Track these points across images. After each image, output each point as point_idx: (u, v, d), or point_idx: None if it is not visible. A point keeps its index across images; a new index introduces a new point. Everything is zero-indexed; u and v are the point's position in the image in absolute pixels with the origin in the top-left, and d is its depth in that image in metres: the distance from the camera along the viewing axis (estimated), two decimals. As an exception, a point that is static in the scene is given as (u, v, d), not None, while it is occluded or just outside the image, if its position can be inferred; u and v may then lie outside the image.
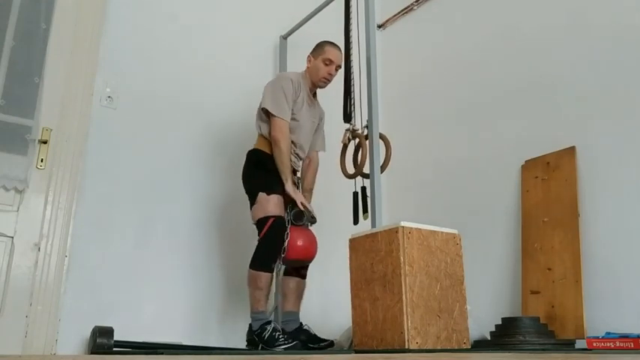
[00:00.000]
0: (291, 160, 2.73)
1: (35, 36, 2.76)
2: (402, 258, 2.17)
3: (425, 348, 2.09)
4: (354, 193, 2.84)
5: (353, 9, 3.06)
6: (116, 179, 2.88)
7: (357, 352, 2.12)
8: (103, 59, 2.96)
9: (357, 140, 2.85)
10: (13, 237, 2.58)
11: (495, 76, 3.28)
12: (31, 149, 2.66)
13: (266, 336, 2.46)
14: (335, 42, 2.88)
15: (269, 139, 2.70)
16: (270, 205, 2.59)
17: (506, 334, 2.39)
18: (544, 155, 2.92)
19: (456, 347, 2.20)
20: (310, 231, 2.73)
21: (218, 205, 3.17)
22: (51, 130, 2.74)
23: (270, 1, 3.63)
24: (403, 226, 2.22)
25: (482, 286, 2.96)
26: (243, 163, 2.78)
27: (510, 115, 3.15)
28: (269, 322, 2.51)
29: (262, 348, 2.47)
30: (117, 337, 2.45)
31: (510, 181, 3.06)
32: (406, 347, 2.06)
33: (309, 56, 2.90)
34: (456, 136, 3.46)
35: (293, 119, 2.74)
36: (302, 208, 2.65)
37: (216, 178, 3.20)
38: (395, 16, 4.02)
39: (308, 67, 2.88)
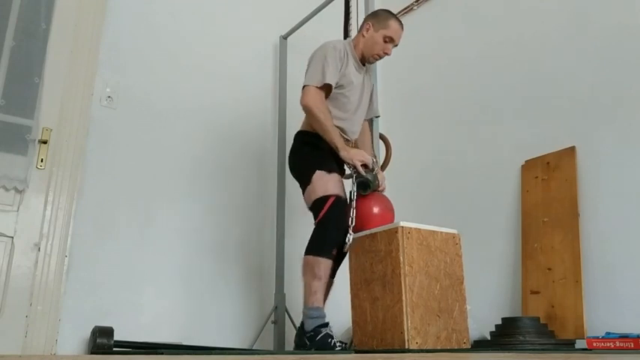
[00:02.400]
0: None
1: (35, 36, 2.76)
2: (401, 258, 2.17)
3: (425, 348, 2.09)
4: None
5: (353, 9, 3.06)
6: (116, 179, 2.88)
7: (357, 352, 2.12)
8: (103, 59, 2.96)
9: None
10: (13, 237, 2.58)
11: (495, 76, 3.28)
12: (31, 149, 2.66)
13: (319, 340, 2.14)
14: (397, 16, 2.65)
15: None
16: (330, 183, 2.31)
17: (506, 334, 2.39)
18: (544, 155, 2.92)
19: (456, 347, 2.21)
20: (383, 196, 2.46)
21: (218, 205, 3.17)
22: (51, 130, 2.74)
23: (270, 1, 3.63)
24: (403, 226, 2.22)
25: (482, 286, 2.96)
26: (291, 146, 2.62)
27: (510, 115, 3.15)
28: (326, 325, 2.19)
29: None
30: (117, 337, 2.45)
31: (510, 181, 3.06)
32: (406, 347, 2.06)
33: (367, 23, 2.58)
34: (456, 136, 3.45)
35: (341, 94, 2.48)
36: (362, 171, 2.35)
37: (216, 178, 3.20)
38: (395, 16, 4.01)
39: (363, 36, 2.57)
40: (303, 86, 2.44)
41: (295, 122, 3.34)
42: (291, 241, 3.22)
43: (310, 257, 2.27)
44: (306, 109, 2.40)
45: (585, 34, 2.87)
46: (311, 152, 2.46)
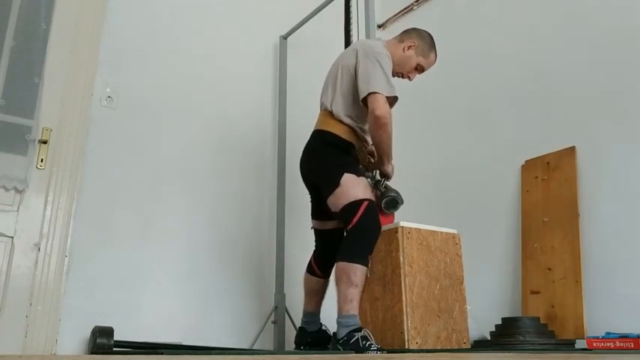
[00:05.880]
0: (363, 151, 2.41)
1: (35, 36, 2.76)
2: (401, 258, 2.17)
3: (425, 348, 2.09)
4: None
5: (353, 9, 3.07)
6: (116, 179, 2.88)
7: (357, 352, 2.12)
8: (103, 59, 2.96)
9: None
10: (13, 237, 2.58)
11: (496, 76, 3.28)
12: (31, 149, 2.66)
13: (353, 343, 2.03)
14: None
15: (349, 126, 2.34)
16: (361, 188, 2.23)
17: (506, 334, 2.39)
18: (544, 155, 2.92)
19: (456, 347, 2.21)
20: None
21: (218, 204, 3.17)
22: (51, 130, 2.74)
23: (270, 1, 3.63)
24: (402, 226, 2.22)
25: (482, 286, 2.96)
26: (308, 143, 2.44)
27: (510, 115, 3.15)
28: (359, 329, 2.07)
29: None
30: (117, 337, 2.45)
31: (510, 181, 3.06)
32: (406, 347, 2.06)
33: (413, 41, 2.48)
34: (456, 136, 3.45)
35: None
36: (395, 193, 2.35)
37: (216, 178, 3.20)
38: (395, 16, 4.01)
39: (403, 51, 2.48)
40: (372, 92, 2.24)
41: (295, 122, 3.35)
42: (291, 240, 3.22)
43: (345, 264, 2.13)
44: (382, 120, 2.23)
45: (585, 33, 2.87)
46: (339, 154, 2.34)
